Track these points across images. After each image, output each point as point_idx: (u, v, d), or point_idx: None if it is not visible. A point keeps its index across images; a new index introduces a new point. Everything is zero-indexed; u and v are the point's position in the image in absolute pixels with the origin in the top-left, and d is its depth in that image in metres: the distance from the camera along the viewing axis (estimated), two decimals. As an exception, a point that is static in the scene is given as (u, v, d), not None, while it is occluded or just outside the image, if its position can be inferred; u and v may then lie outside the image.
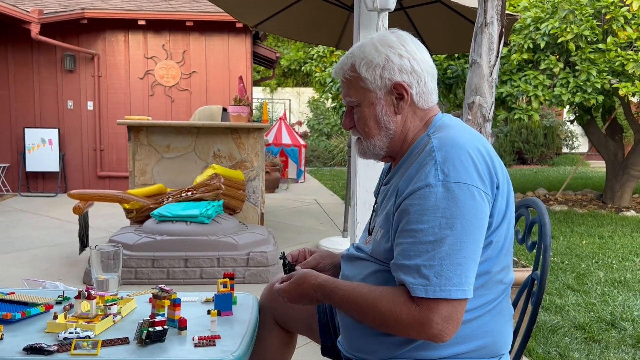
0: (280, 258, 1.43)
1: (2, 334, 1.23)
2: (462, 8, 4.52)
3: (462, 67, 6.76)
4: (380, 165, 1.46)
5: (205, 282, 3.65)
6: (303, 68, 9.87)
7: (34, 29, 7.12)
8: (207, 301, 1.52)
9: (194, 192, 4.23)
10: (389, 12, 2.50)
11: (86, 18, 7.58)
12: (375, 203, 1.35)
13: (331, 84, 8.02)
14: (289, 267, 1.40)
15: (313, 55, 8.90)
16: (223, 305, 1.39)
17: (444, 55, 6.90)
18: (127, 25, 7.81)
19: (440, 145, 1.12)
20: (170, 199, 4.23)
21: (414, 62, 1.20)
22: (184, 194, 4.24)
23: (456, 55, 6.90)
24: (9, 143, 7.82)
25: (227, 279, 1.47)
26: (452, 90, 6.83)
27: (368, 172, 2.68)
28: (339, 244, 4.65)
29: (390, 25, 2.39)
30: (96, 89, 7.91)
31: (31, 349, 1.14)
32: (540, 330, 2.94)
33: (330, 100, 9.18)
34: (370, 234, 1.30)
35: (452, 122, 1.22)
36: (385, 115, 1.21)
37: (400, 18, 5.09)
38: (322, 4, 4.93)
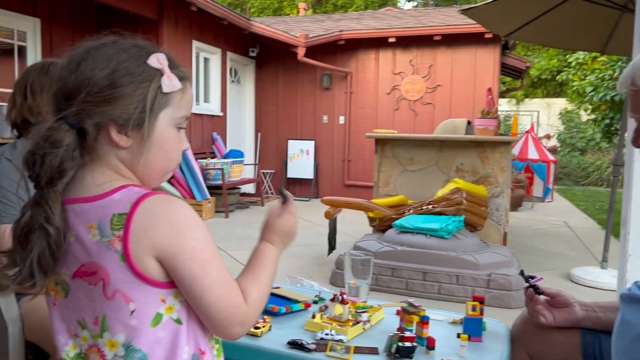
0: (520, 274, 1.36)
1: (270, 326, 1.38)
2: None
3: None
4: None
5: (442, 299, 3.59)
6: (558, 77, 9.05)
7: (300, 52, 8.07)
8: (454, 322, 1.47)
9: (435, 205, 4.21)
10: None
11: (343, 39, 8.27)
12: None
13: (592, 93, 7.16)
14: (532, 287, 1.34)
15: (571, 62, 8.10)
16: (472, 330, 1.32)
17: None
18: (378, 43, 8.28)
19: None
20: (411, 211, 4.30)
21: None
22: (425, 207, 4.26)
23: None
24: (275, 152, 9.00)
25: (477, 302, 1.39)
26: None
27: (645, 197, 2.26)
28: (596, 276, 4.08)
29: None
30: (347, 104, 8.56)
31: (294, 344, 1.25)
32: None
33: (589, 111, 8.21)
34: None
35: None
36: None
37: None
38: (585, 6, 4.42)
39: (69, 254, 0.85)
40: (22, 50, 5.73)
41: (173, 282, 0.85)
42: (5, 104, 5.00)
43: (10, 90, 1.63)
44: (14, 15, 5.49)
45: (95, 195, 0.85)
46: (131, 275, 0.81)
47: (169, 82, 0.87)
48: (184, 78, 0.91)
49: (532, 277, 1.37)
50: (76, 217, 0.84)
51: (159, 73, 0.87)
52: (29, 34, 5.76)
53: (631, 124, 2.05)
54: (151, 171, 0.90)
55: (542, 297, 1.34)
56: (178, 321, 0.86)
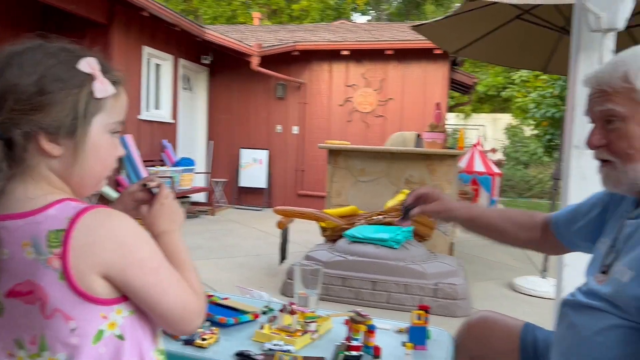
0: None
1: (218, 337, 1.37)
2: None
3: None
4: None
5: (391, 308, 3.64)
6: (502, 93, 9.43)
7: (254, 61, 8.06)
8: (400, 331, 1.50)
9: (385, 216, 4.29)
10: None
11: (297, 50, 8.32)
12: (613, 241, 1.16)
13: (534, 110, 7.49)
14: (405, 209, 1.47)
15: (515, 80, 8.45)
16: (417, 338, 1.36)
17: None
18: (331, 55, 8.37)
19: None
20: (362, 221, 4.35)
21: None
22: (375, 217, 4.32)
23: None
24: (228, 161, 8.92)
25: (422, 311, 1.43)
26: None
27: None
28: (538, 285, 4.26)
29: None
30: (301, 115, 8.60)
31: (242, 355, 1.24)
32: None
33: (532, 127, 8.60)
34: (603, 272, 1.13)
35: None
36: None
37: (624, 39, 4.53)
38: (529, 27, 4.65)
39: (3, 271, 0.81)
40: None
41: (117, 298, 0.83)
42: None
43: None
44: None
45: (29, 211, 0.81)
46: (71, 293, 0.79)
47: (102, 87, 0.85)
48: (117, 82, 0.89)
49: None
50: (8, 234, 0.80)
51: (91, 78, 0.84)
52: (-32, 33, 5.51)
53: (578, 125, 2.15)
54: (86, 179, 0.88)
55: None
56: (120, 337, 0.84)
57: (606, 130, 1.09)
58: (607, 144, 1.09)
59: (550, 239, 1.41)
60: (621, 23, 2.02)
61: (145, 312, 0.87)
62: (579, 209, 1.35)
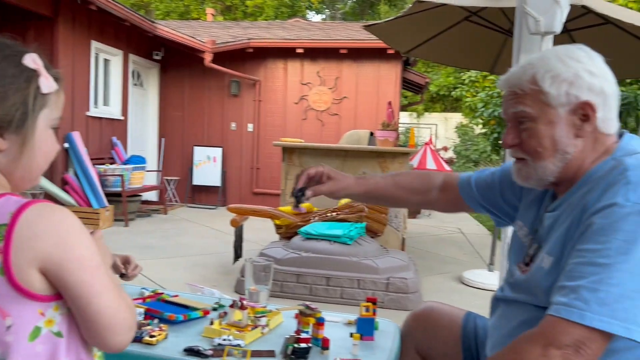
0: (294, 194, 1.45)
1: (167, 334, 1.36)
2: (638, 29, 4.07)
3: (635, 93, 6.07)
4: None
5: (345, 303, 3.69)
6: (453, 93, 9.69)
7: (207, 58, 7.95)
8: (349, 323, 1.53)
9: (339, 212, 4.34)
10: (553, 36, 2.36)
11: (252, 47, 8.28)
12: (533, 232, 1.24)
13: (482, 109, 7.73)
14: (297, 193, 1.43)
15: (464, 80, 8.69)
16: (365, 329, 1.40)
17: (614, 80, 6.29)
18: (286, 53, 8.37)
19: (637, 165, 1.02)
20: (316, 218, 4.39)
21: (604, 82, 1.09)
22: (329, 214, 4.37)
23: (628, 80, 6.23)
24: (180, 159, 8.77)
25: (370, 303, 1.47)
26: (622, 118, 6.17)
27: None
28: (485, 278, 4.41)
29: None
30: (256, 112, 8.56)
31: (190, 351, 1.25)
32: None
33: (480, 126, 8.87)
34: (527, 264, 1.20)
35: None
36: (564, 137, 1.10)
37: (564, 41, 4.74)
38: (477, 29, 4.80)
39: None
40: None
41: (55, 295, 0.82)
42: None
43: None
44: None
45: None
46: (10, 289, 0.77)
47: (47, 83, 0.87)
48: (58, 79, 0.91)
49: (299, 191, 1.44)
50: None
51: (36, 74, 0.86)
52: None
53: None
54: (29, 173, 0.89)
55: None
56: (58, 334, 0.83)
57: (519, 130, 1.15)
58: (520, 143, 1.15)
59: (451, 198, 1.49)
60: (558, 27, 2.12)
61: (75, 313, 0.84)
62: (494, 176, 1.43)
